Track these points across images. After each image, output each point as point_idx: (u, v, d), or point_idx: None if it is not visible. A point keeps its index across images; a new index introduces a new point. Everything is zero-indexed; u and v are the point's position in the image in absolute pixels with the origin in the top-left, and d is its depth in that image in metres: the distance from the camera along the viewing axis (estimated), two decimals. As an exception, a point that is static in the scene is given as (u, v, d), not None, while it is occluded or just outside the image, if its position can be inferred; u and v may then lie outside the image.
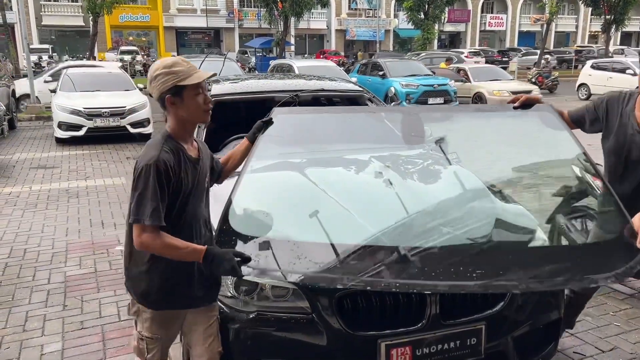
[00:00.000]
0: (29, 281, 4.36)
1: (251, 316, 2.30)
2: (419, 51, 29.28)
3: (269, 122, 2.76)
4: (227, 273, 2.08)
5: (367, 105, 4.40)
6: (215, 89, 4.22)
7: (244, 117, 5.37)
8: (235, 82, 4.51)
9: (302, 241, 2.35)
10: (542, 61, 25.92)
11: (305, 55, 43.97)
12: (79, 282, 4.32)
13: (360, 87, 4.58)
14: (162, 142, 2.08)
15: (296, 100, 4.16)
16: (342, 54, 42.75)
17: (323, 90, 4.30)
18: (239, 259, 2.05)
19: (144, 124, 10.90)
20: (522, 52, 38.39)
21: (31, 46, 34.46)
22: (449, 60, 20.49)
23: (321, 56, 37.82)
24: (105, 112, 10.50)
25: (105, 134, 10.64)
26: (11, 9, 33.00)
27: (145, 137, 11.00)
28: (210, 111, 2.16)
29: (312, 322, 2.25)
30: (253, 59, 36.58)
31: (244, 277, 2.11)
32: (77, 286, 4.25)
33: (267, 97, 4.18)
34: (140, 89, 11.98)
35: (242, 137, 2.75)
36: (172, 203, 2.05)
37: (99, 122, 10.48)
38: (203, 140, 3.22)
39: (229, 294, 2.36)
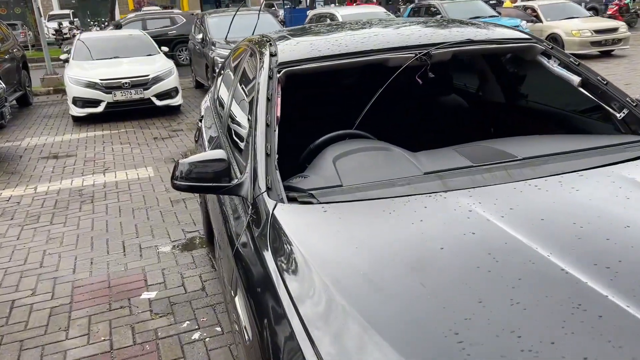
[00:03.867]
0: (11, 370, 2.81)
1: None
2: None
3: None
4: None
5: (542, 60, 2.58)
6: (285, 52, 2.46)
7: (333, 95, 3.63)
8: (312, 37, 2.73)
9: None
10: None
11: (335, 4, 41.22)
12: (85, 371, 2.74)
13: (526, 33, 2.74)
14: None
15: (426, 64, 2.40)
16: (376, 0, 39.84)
17: (471, 42, 2.49)
18: None
19: (172, 95, 9.21)
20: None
21: (50, 12, 33.01)
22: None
23: (353, 4, 35.18)
24: (126, 83, 8.83)
25: (127, 109, 9.01)
26: (27, -26, 31.34)
27: (174, 110, 9.35)
28: None
29: None
30: (281, 12, 34.17)
31: None
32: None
33: (374, 60, 2.41)
34: (165, 54, 10.25)
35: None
36: None
37: (120, 96, 8.83)
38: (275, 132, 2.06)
39: None
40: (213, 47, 9.81)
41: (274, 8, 37.05)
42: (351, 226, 1.63)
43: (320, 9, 15.49)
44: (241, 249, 1.81)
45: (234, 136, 2.66)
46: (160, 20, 16.88)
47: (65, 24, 28.80)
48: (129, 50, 9.88)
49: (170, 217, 4.76)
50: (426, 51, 2.40)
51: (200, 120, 3.97)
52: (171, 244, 4.21)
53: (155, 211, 4.93)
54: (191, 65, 12.33)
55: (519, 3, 16.46)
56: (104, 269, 3.86)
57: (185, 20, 16.54)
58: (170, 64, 9.47)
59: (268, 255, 1.60)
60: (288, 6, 35.66)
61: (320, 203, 1.78)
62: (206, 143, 3.35)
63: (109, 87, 8.78)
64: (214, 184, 2.02)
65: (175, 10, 20.86)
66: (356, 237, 1.57)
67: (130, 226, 4.62)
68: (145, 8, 33.85)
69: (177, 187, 2.05)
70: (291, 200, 1.84)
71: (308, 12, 17.32)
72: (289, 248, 1.58)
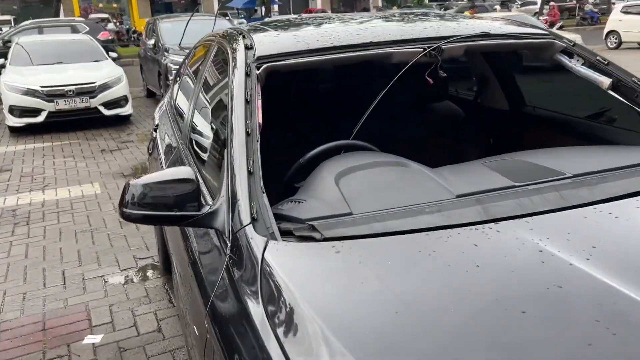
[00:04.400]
0: None
1: None
2: (413, 6, 26.67)
3: None
4: None
5: (562, 59, 2.21)
6: (264, 44, 2.00)
7: (319, 98, 3.14)
8: (296, 28, 2.27)
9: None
10: (546, 7, 23.54)
11: (291, 13, 40.90)
12: None
13: (544, 29, 2.37)
14: None
15: (436, 60, 1.99)
16: (330, 12, 39.79)
17: (487, 36, 2.09)
18: None
19: (121, 104, 8.53)
20: (521, 1, 35.83)
21: (-10, 18, 31.34)
22: (473, 9, 17.98)
23: (311, 12, 34.99)
24: (71, 91, 8.10)
25: (71, 119, 8.27)
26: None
27: (123, 120, 8.68)
28: None
29: None
30: (236, 22, 33.58)
31: None
32: None
33: (374, 55, 1.99)
34: (114, 59, 9.56)
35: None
36: None
37: (63, 104, 8.09)
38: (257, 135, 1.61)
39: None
40: (166, 54, 9.24)
41: (228, 18, 36.39)
42: (381, 276, 1.17)
43: (276, 18, 15.07)
44: (219, 309, 1.32)
45: (200, 149, 2.16)
46: (59, 29, 14.19)
47: (6, 29, 27.33)
48: (74, 56, 9.11)
49: (120, 241, 4.17)
50: (436, 45, 1.98)
51: (155, 130, 3.43)
52: (121, 274, 3.63)
53: (101, 234, 4.31)
54: (142, 73, 11.65)
55: (477, 14, 16.53)
56: (38, 306, 3.25)
57: (88, 29, 14.20)
58: (119, 70, 8.80)
59: (264, 327, 1.11)
60: (242, 16, 35.18)
61: (328, 240, 1.31)
62: (162, 157, 2.82)
63: (50, 95, 8.04)
64: (177, 213, 1.52)
65: (77, 19, 18.87)
66: (393, 294, 1.11)
67: (72, 253, 4.00)
68: (92, 15, 32.66)
69: (127, 217, 1.54)
70: (285, 234, 1.37)
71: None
72: (298, 316, 1.10)
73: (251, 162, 1.54)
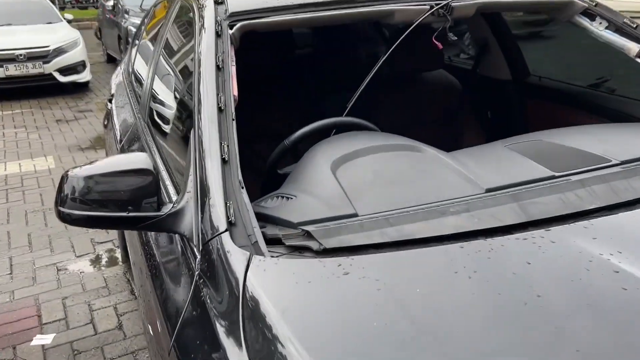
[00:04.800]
0: None
1: None
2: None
3: None
4: None
5: (582, 22, 1.92)
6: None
7: (300, 66, 2.76)
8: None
9: None
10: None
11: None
12: None
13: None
14: None
15: (446, 21, 1.69)
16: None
17: (504, -7, 1.78)
18: None
19: (78, 70, 7.94)
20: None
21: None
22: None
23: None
24: (21, 55, 7.48)
25: (23, 86, 7.65)
26: None
27: (81, 88, 8.11)
28: None
29: None
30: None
31: None
32: None
33: (372, 12, 1.66)
34: (69, 21, 8.89)
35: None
36: None
37: (13, 70, 7.47)
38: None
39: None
40: (126, 16, 8.65)
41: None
42: (412, 314, 0.86)
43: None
44: (187, 347, 1.00)
45: (161, 129, 1.81)
46: None
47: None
48: (25, 17, 8.42)
49: (76, 222, 3.77)
50: (445, 2, 1.66)
51: (110, 101, 3.03)
52: (76, 261, 3.26)
53: (51, 214, 3.91)
54: (101, 37, 10.97)
55: None
56: (-20, 300, 2.88)
57: None
58: (75, 34, 8.18)
59: None
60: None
61: (329, 252, 1.00)
62: (118, 133, 2.45)
63: (0, 60, 7.41)
64: (130, 214, 1.18)
65: None
66: (429, 341, 0.81)
67: (22, 237, 3.60)
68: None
69: (65, 219, 1.21)
70: (272, 242, 1.06)
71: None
72: None
73: (225, 147, 1.21)
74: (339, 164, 1.27)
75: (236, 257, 0.99)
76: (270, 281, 0.94)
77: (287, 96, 2.42)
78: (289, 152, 1.53)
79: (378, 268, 0.96)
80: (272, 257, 1.00)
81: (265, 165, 1.59)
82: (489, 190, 1.19)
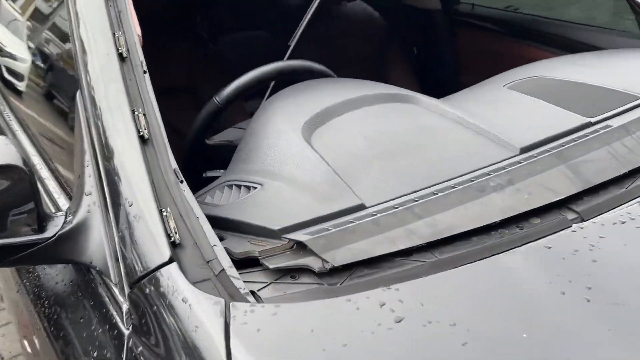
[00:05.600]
0: None
1: None
2: None
3: None
4: None
5: None
6: None
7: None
8: None
9: None
10: None
11: None
12: None
13: None
14: None
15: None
16: None
17: None
18: None
19: None
20: None
21: None
22: None
23: None
24: None
25: None
26: None
27: None
28: None
29: None
30: None
31: None
32: None
33: None
34: None
35: None
36: None
37: None
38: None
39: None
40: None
41: None
42: None
43: None
44: None
45: (25, 95, 1.25)
46: None
47: None
48: None
49: None
50: None
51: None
52: None
53: None
54: None
55: None
56: None
57: None
58: None
59: None
60: None
61: (340, 274, 0.64)
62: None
63: None
64: None
65: None
66: None
67: None
68: None
69: None
70: (242, 265, 0.66)
71: None
72: None
73: (141, 116, 0.76)
74: (311, 129, 0.88)
75: (202, 307, 0.58)
76: (277, 351, 0.55)
77: (186, 38, 1.91)
78: (221, 114, 1.09)
79: (444, 296, 0.60)
80: (261, 304, 0.60)
81: (180, 134, 1.15)
82: (523, 151, 0.87)
